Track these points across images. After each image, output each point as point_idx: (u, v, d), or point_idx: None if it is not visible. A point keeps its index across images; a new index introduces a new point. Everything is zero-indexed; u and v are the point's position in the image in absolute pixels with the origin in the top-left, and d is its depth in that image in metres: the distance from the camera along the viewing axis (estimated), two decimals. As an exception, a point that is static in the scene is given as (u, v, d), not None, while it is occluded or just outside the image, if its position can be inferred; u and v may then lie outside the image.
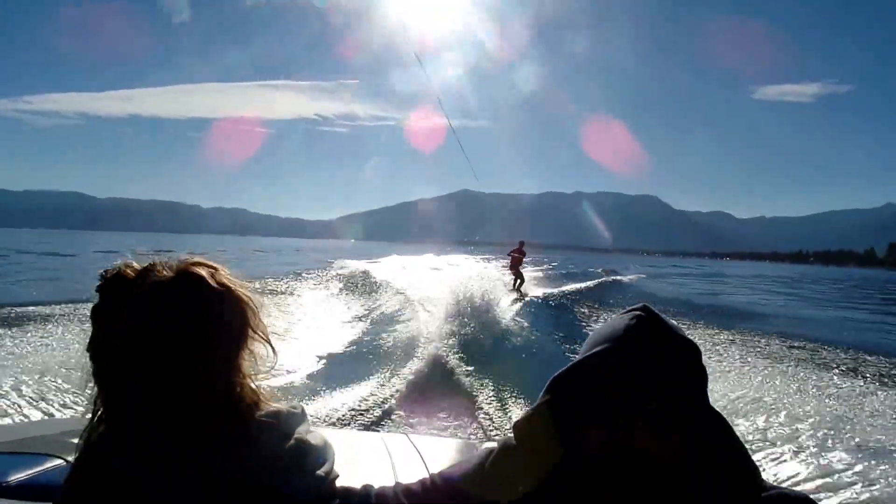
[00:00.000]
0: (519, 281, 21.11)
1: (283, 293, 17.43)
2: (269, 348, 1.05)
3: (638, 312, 1.04)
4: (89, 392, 0.99)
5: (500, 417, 6.72)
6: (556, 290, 21.00)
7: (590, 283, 24.59)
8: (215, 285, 0.99)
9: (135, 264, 1.01)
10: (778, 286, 46.90)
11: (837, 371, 9.67)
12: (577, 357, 1.04)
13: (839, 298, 37.17)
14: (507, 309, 15.00)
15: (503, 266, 22.66)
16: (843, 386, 8.03)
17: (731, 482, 0.98)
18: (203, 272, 0.99)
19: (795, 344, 12.35)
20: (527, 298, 19.33)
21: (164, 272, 0.99)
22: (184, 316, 0.95)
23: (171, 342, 0.93)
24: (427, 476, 1.20)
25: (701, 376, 1.02)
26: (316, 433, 1.09)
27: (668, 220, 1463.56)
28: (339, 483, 1.10)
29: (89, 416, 0.99)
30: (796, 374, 9.00)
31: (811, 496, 1.00)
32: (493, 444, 1.19)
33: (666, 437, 0.95)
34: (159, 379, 0.93)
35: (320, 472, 1.04)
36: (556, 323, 14.65)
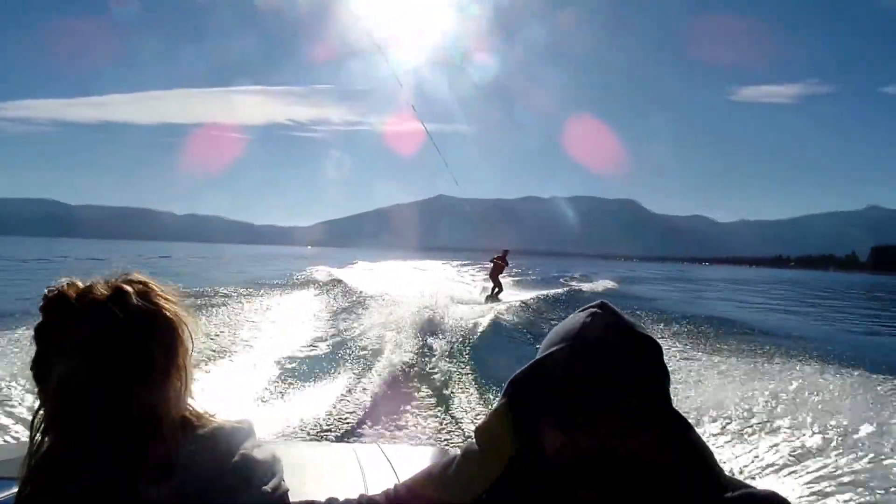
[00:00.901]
0: (497, 289, 21.39)
1: (246, 301, 17.50)
2: (191, 371, 1.05)
3: (594, 309, 1.04)
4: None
5: (472, 422, 6.76)
6: (529, 296, 21.40)
7: (557, 291, 24.82)
8: (145, 304, 1.00)
9: (78, 282, 1.01)
10: (750, 293, 48.06)
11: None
12: (536, 357, 1.04)
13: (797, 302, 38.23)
14: (478, 313, 15.37)
15: (481, 272, 22.97)
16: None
17: (694, 481, 0.97)
18: (131, 290, 1.00)
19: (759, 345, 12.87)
20: (499, 303, 19.69)
21: (101, 291, 0.99)
22: (116, 337, 0.96)
23: (105, 364, 0.95)
24: (392, 486, 1.20)
25: (661, 373, 1.01)
26: (264, 447, 1.08)
27: (648, 225, 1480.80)
28: (307, 496, 1.09)
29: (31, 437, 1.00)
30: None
31: (778, 493, 0.99)
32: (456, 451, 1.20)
33: (636, 435, 0.94)
34: (99, 401, 0.94)
35: (267, 487, 1.03)
36: (525, 328, 14.97)
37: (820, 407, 6.47)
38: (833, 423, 5.85)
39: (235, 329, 12.29)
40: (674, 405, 0.98)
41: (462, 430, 6.62)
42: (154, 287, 1.03)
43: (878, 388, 7.25)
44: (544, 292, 23.20)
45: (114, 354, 0.95)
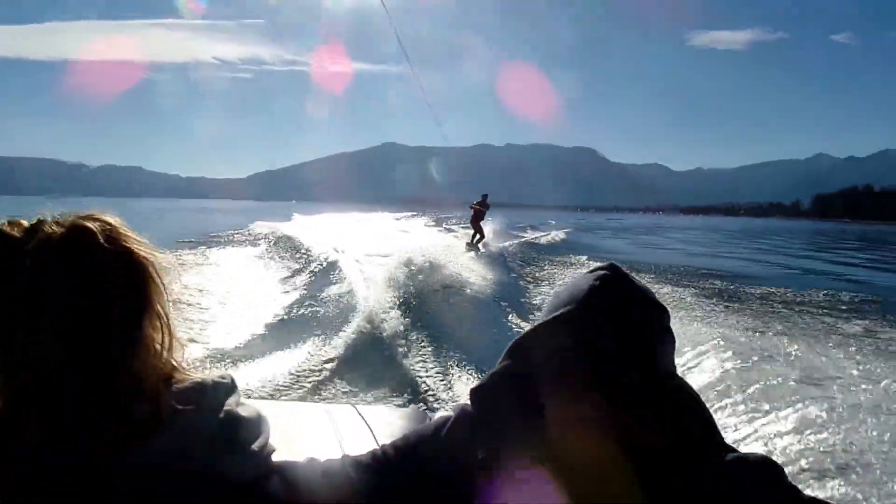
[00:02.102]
0: (479, 236, 21.42)
1: (199, 257, 17.19)
2: (171, 320, 0.97)
3: (604, 272, 1.02)
4: None
5: (447, 384, 7.00)
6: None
7: (512, 242, 24.94)
8: (111, 245, 0.90)
9: (22, 221, 0.91)
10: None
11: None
12: (539, 319, 1.02)
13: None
14: (452, 267, 15.40)
15: (441, 223, 22.91)
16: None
17: (694, 448, 0.98)
18: (96, 228, 0.90)
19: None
20: (481, 251, 19.98)
21: (54, 229, 0.89)
22: (77, 283, 0.87)
23: (65, 313, 0.86)
24: (377, 447, 1.18)
25: (669, 342, 1.02)
26: (248, 405, 1.03)
27: (605, 174, 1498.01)
28: (283, 457, 1.06)
29: None
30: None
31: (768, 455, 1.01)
32: (447, 413, 1.18)
33: (625, 406, 0.94)
34: (57, 356, 0.86)
35: (254, 446, 0.99)
36: (501, 283, 15.11)
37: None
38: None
39: (189, 291, 12.04)
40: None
41: (441, 392, 6.69)
42: (119, 226, 0.94)
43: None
44: (501, 244, 23.42)
45: (68, 303, 0.86)
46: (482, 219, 21.96)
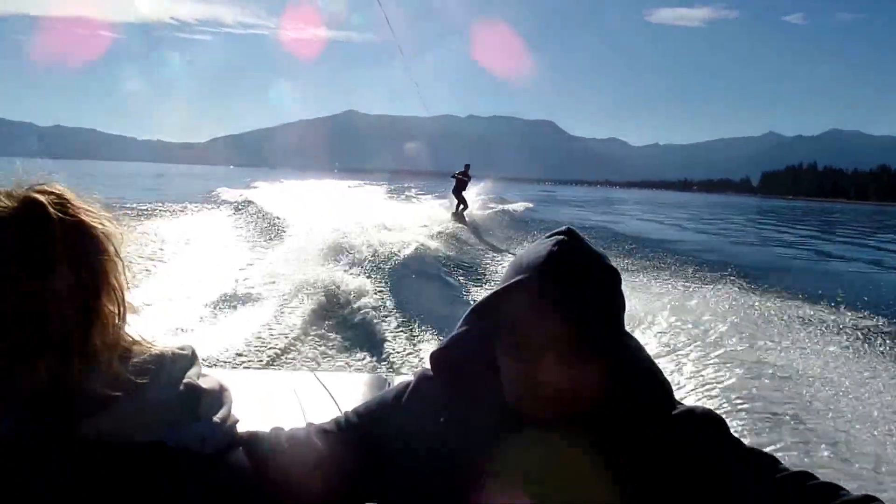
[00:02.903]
0: (462, 206, 21.74)
1: (152, 222, 16.84)
2: (126, 291, 0.95)
3: (561, 237, 1.04)
4: None
5: (407, 349, 7.10)
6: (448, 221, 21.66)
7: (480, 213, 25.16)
8: (63, 216, 0.88)
9: None
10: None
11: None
12: (498, 286, 1.04)
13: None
14: (406, 240, 15.45)
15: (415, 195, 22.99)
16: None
17: (644, 403, 1.04)
18: (47, 201, 0.87)
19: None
20: (466, 220, 20.36)
21: (5, 203, 0.86)
22: (29, 258, 0.84)
23: (18, 289, 0.84)
24: (340, 414, 1.19)
25: (620, 303, 1.06)
26: (210, 376, 1.03)
27: (565, 147, 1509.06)
28: (245, 426, 1.05)
29: None
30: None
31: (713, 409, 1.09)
32: (408, 377, 1.21)
33: (580, 367, 0.98)
34: (37, 380, 0.84)
35: (216, 417, 0.98)
36: (463, 250, 15.37)
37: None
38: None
39: (143, 257, 11.82)
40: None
41: (402, 357, 6.77)
42: (71, 198, 0.91)
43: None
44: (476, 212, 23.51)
45: (21, 277, 0.83)
46: (464, 188, 22.33)
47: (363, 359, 6.74)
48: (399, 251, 13.30)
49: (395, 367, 6.45)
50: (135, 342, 0.95)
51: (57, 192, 0.90)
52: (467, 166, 22.79)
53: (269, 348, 6.70)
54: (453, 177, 22.68)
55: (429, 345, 6.92)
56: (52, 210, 0.86)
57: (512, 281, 1.01)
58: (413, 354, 6.90)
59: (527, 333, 0.99)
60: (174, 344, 0.99)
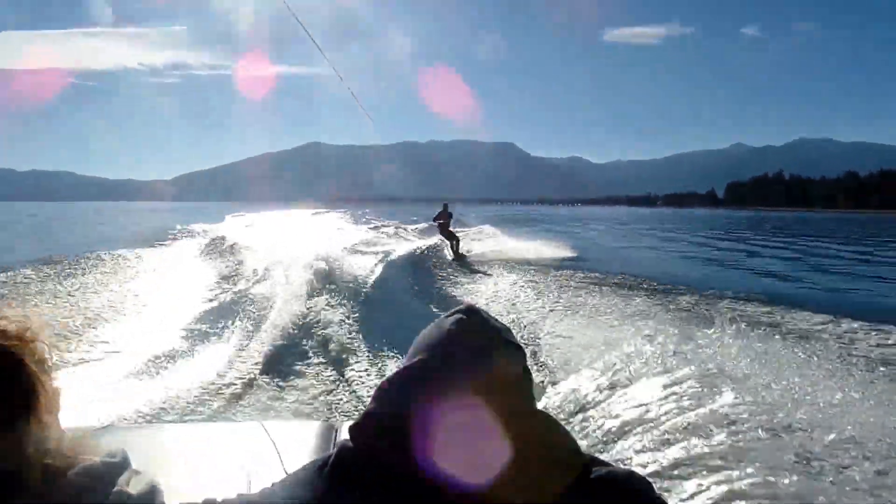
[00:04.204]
0: (455, 242, 21.83)
1: (107, 266, 16.54)
2: (53, 404, 0.99)
3: (460, 315, 1.07)
4: None
5: (360, 392, 6.95)
6: (409, 247, 21.71)
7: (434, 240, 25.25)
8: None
9: None
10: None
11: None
12: (403, 363, 1.09)
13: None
14: (368, 270, 15.43)
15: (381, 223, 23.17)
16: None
17: (556, 472, 1.05)
18: None
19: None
20: (469, 255, 20.97)
21: None
22: None
23: None
24: (269, 485, 1.25)
25: (526, 380, 1.08)
26: (140, 478, 1.06)
27: (527, 167, 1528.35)
28: (190, 482, 1.07)
29: None
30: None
31: (634, 470, 1.12)
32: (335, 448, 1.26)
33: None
34: None
35: None
36: (416, 285, 15.23)
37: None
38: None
39: (96, 300, 11.66)
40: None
41: (347, 401, 6.76)
42: (9, 320, 0.96)
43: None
44: (425, 242, 23.38)
45: None
46: (448, 226, 22.56)
47: (312, 404, 6.67)
48: (364, 280, 13.28)
49: (344, 413, 6.41)
50: (63, 455, 0.97)
51: None
52: (445, 205, 23.20)
53: (220, 396, 6.61)
54: (434, 221, 23.02)
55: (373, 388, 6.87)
56: None
57: (411, 362, 1.05)
58: (360, 400, 6.81)
59: (426, 415, 1.01)
60: (104, 451, 1.02)
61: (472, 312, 1.08)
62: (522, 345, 1.07)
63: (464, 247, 22.23)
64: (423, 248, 21.27)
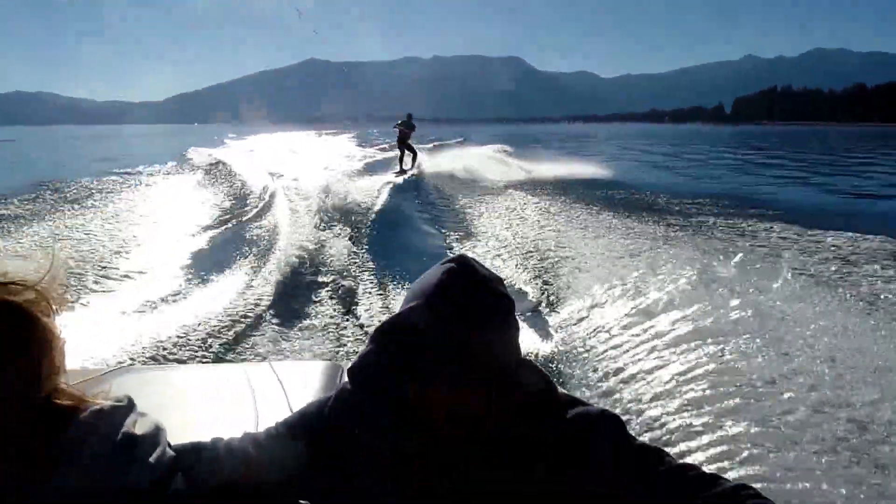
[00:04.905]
0: (412, 155, 21.61)
1: (106, 193, 16.35)
2: (63, 352, 1.06)
3: (451, 265, 1.13)
4: None
5: (361, 332, 6.86)
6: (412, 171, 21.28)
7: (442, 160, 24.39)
8: (10, 319, 0.99)
9: None
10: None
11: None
12: (398, 309, 1.16)
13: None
14: (372, 197, 15.13)
15: (387, 143, 22.72)
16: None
17: (535, 419, 1.15)
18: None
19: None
20: (412, 173, 20.21)
21: None
22: None
23: None
24: (273, 424, 1.33)
25: (511, 329, 1.14)
26: (146, 419, 1.14)
27: (535, 84, 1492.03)
28: (202, 421, 1.17)
29: None
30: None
31: (606, 409, 1.20)
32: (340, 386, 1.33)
33: (465, 393, 1.09)
34: None
35: (151, 459, 1.09)
36: (422, 210, 14.92)
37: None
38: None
39: (99, 232, 11.50)
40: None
41: (353, 340, 6.67)
42: (13, 296, 1.00)
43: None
44: (432, 164, 23.26)
45: None
46: (409, 138, 21.90)
47: (320, 343, 6.61)
48: (371, 207, 13.04)
49: (349, 354, 6.34)
50: (74, 399, 1.06)
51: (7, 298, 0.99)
52: (409, 115, 22.25)
53: (225, 335, 6.55)
54: (395, 128, 22.19)
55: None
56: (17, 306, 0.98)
57: (406, 308, 1.13)
58: (366, 337, 6.70)
59: (418, 359, 1.10)
60: (112, 397, 1.11)
61: (463, 263, 1.13)
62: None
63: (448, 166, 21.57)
64: (429, 171, 20.95)
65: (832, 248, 9.61)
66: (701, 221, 12.59)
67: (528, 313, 7.03)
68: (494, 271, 1.16)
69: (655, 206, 14.91)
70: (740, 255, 7.92)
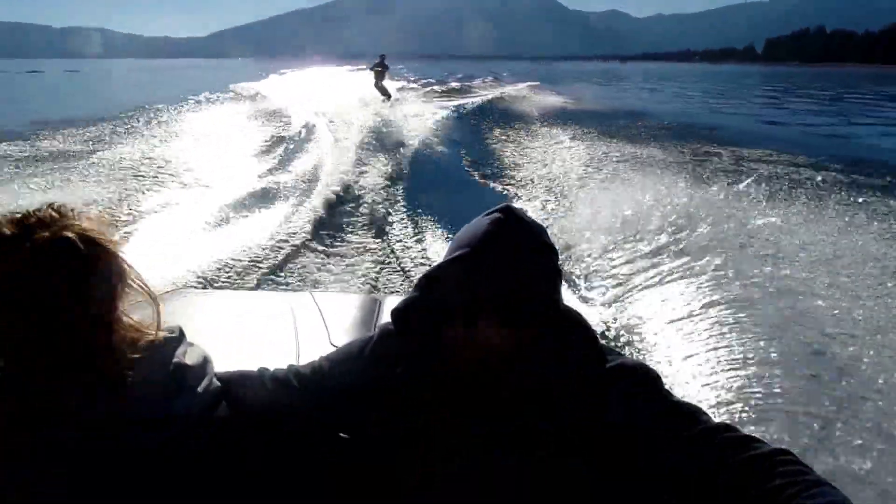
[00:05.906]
0: (384, 97, 21.66)
1: (154, 125, 16.28)
2: (129, 287, 1.12)
3: (498, 214, 1.12)
4: None
5: (408, 266, 6.78)
6: (445, 107, 20.79)
7: (474, 99, 24.16)
8: (86, 249, 1.03)
9: (18, 215, 1.03)
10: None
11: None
12: (444, 257, 1.15)
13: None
14: (411, 131, 14.87)
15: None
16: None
17: (579, 364, 1.16)
18: (74, 236, 1.03)
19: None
20: (388, 103, 20.51)
21: (42, 234, 1.01)
22: (62, 282, 1.01)
23: (50, 304, 1.00)
24: (317, 359, 1.35)
25: (555, 277, 1.16)
26: (194, 350, 1.21)
27: (564, 23, 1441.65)
28: (244, 348, 1.24)
29: None
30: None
31: (648, 363, 1.21)
32: (400, 297, 1.37)
33: (514, 332, 1.09)
34: (38, 334, 1.01)
35: (199, 388, 1.16)
36: (464, 149, 14.37)
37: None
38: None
39: (145, 162, 11.20)
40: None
41: (391, 273, 6.62)
42: (92, 229, 1.07)
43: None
44: (463, 101, 23.02)
45: (54, 297, 1.00)
46: (383, 79, 22.42)
47: (361, 277, 6.52)
48: (415, 144, 13.02)
49: (387, 288, 6.29)
50: (137, 330, 1.13)
51: (83, 226, 1.05)
52: (382, 56, 22.64)
53: (267, 263, 6.55)
54: (371, 69, 22.70)
55: (421, 269, 6.64)
56: (79, 243, 1.03)
57: (453, 256, 1.12)
58: (410, 273, 6.60)
59: (465, 302, 1.09)
60: (165, 328, 1.17)
61: (509, 212, 1.12)
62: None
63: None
64: (470, 106, 20.72)
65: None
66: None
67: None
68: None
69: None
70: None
